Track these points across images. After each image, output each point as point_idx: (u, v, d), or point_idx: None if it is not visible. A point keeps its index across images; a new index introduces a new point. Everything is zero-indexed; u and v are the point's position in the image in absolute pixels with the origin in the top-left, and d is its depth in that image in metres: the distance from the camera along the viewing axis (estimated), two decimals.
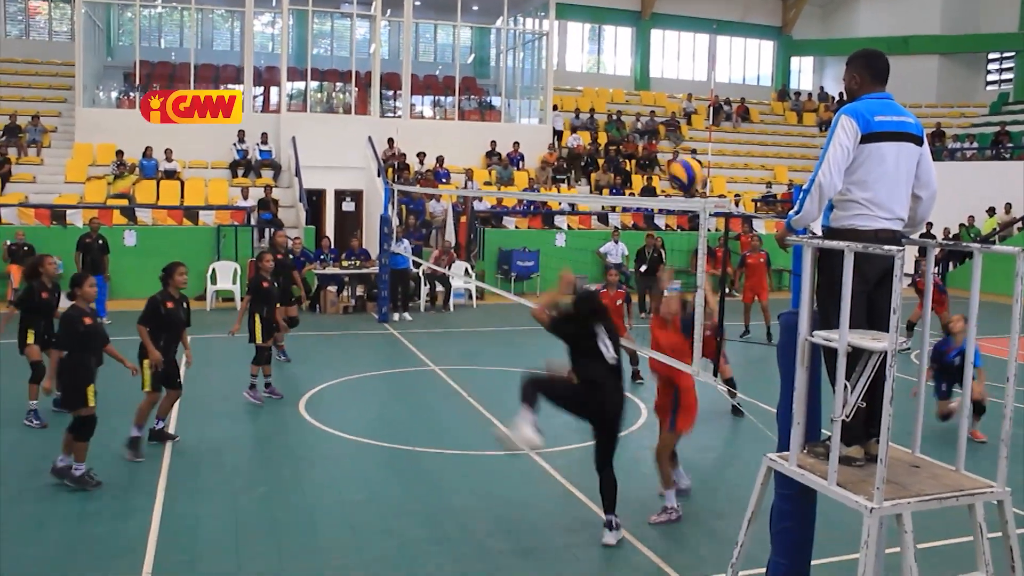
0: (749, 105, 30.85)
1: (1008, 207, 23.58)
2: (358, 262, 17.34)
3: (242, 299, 11.39)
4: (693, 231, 20.70)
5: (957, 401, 8.88)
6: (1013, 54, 31.76)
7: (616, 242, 19.09)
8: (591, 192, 23.52)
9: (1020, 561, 3.89)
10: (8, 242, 16.45)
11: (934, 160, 4.44)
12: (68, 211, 17.55)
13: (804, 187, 4.18)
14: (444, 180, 21.99)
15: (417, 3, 23.48)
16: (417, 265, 17.06)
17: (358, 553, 5.97)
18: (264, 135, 21.72)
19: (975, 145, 27.54)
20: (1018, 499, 4.53)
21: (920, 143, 4.24)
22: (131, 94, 22.63)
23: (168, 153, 20.39)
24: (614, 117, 27.42)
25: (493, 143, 23.63)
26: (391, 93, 24.52)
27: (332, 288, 16.97)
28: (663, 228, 21.50)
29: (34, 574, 5.55)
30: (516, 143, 23.82)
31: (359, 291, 17.21)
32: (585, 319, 6.26)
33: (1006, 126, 27.24)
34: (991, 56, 33.13)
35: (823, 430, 4.36)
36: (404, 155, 22.17)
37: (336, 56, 26.49)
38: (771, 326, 14.37)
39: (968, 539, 4.06)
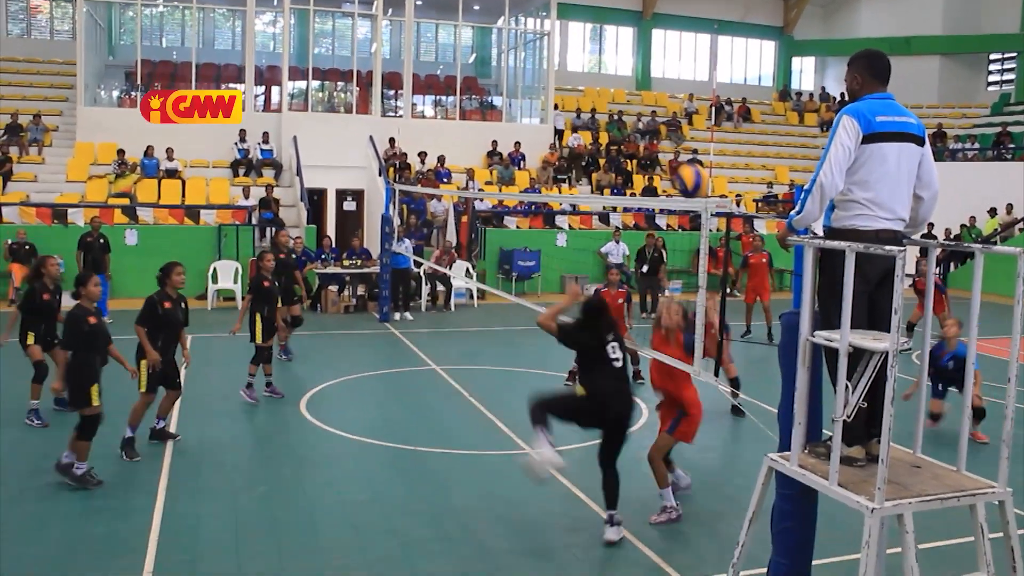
0: (750, 105, 30.85)
1: (1009, 208, 23.57)
2: (359, 261, 17.35)
3: (243, 298, 11.39)
4: (694, 231, 20.70)
5: (946, 405, 8.90)
6: (1015, 55, 31.75)
7: (617, 242, 19.09)
8: (592, 192, 23.53)
9: (1021, 561, 3.89)
10: (9, 241, 16.47)
11: (935, 161, 4.44)
12: (69, 210, 17.55)
13: (805, 187, 4.18)
14: (445, 180, 22.00)
15: (419, 3, 23.50)
16: (418, 265, 17.07)
17: (359, 553, 5.97)
18: (265, 134, 21.73)
19: (976, 146, 27.53)
20: (1019, 499, 4.53)
21: (922, 143, 4.24)
22: (132, 93, 22.64)
23: (169, 152, 20.41)
24: (615, 117, 27.43)
25: (494, 143, 23.63)
26: (392, 92, 24.54)
27: (333, 288, 16.97)
28: (664, 228, 21.50)
29: (35, 573, 5.55)
30: (517, 143, 23.83)
31: (360, 291, 17.21)
32: (595, 326, 6.29)
33: (1007, 127, 27.22)
34: (992, 57, 33.13)
35: (824, 430, 4.36)
36: (405, 155, 22.18)
37: (337, 55, 26.51)
38: (772, 326, 14.37)
39: (969, 539, 4.06)
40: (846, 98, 4.46)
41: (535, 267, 19.46)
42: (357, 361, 12.38)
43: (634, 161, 25.32)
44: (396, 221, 16.26)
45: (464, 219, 19.71)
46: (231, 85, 23.64)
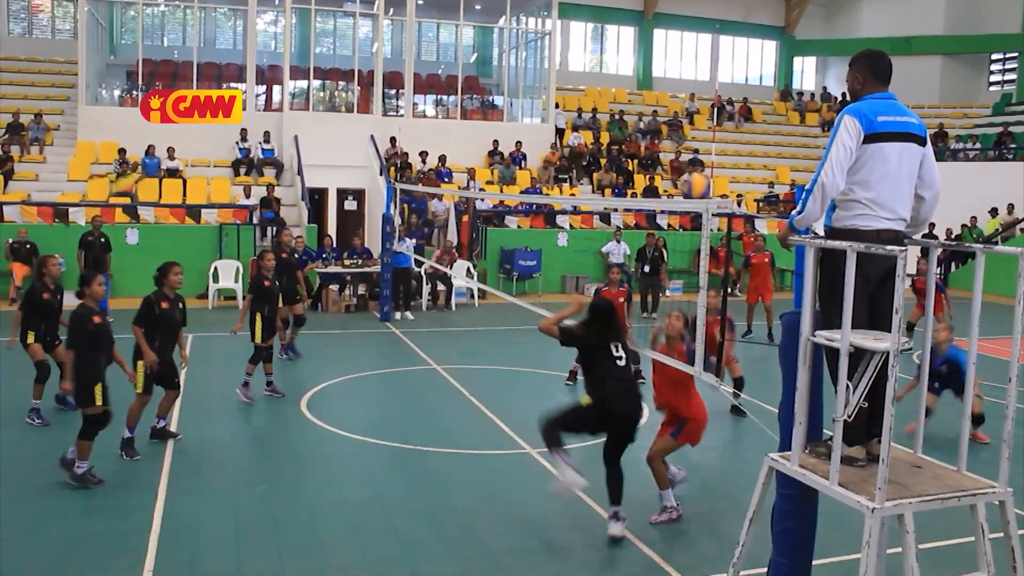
0: (752, 105, 30.85)
1: (1011, 208, 23.56)
2: (360, 261, 17.35)
3: (244, 298, 11.39)
4: (695, 231, 20.68)
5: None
6: (1016, 55, 31.74)
7: (618, 242, 19.09)
8: (593, 192, 23.53)
9: (1021, 562, 3.89)
10: (10, 240, 16.48)
11: (936, 161, 4.43)
12: (70, 209, 17.57)
13: (807, 187, 4.18)
14: (446, 179, 22.00)
15: (420, 2, 23.50)
16: (419, 264, 17.07)
17: (359, 552, 5.97)
18: (267, 134, 21.73)
19: (978, 146, 27.51)
20: (1020, 500, 4.53)
21: (923, 143, 4.24)
22: (134, 92, 22.65)
23: (170, 151, 20.42)
24: (616, 117, 27.42)
25: (495, 142, 23.63)
26: (393, 92, 24.54)
27: (334, 287, 16.98)
28: (665, 228, 21.49)
29: (35, 572, 5.55)
30: (518, 142, 23.83)
31: (361, 290, 17.21)
32: (602, 328, 6.31)
33: (1009, 127, 27.20)
34: (994, 57, 33.12)
35: (825, 430, 4.36)
36: (406, 154, 22.18)
37: (339, 55, 26.51)
38: (773, 326, 14.36)
39: (969, 539, 4.06)
40: (847, 98, 4.46)
41: (536, 267, 19.46)
42: (358, 360, 12.38)
43: (635, 161, 25.33)
44: (397, 220, 16.26)
45: (465, 219, 19.70)
46: (232, 84, 23.65)
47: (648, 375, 7.36)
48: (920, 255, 14.86)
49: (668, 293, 19.07)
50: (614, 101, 29.25)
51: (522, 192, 21.48)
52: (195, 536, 6.13)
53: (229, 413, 9.46)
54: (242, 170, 21.10)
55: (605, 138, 26.16)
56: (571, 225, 21.06)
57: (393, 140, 22.26)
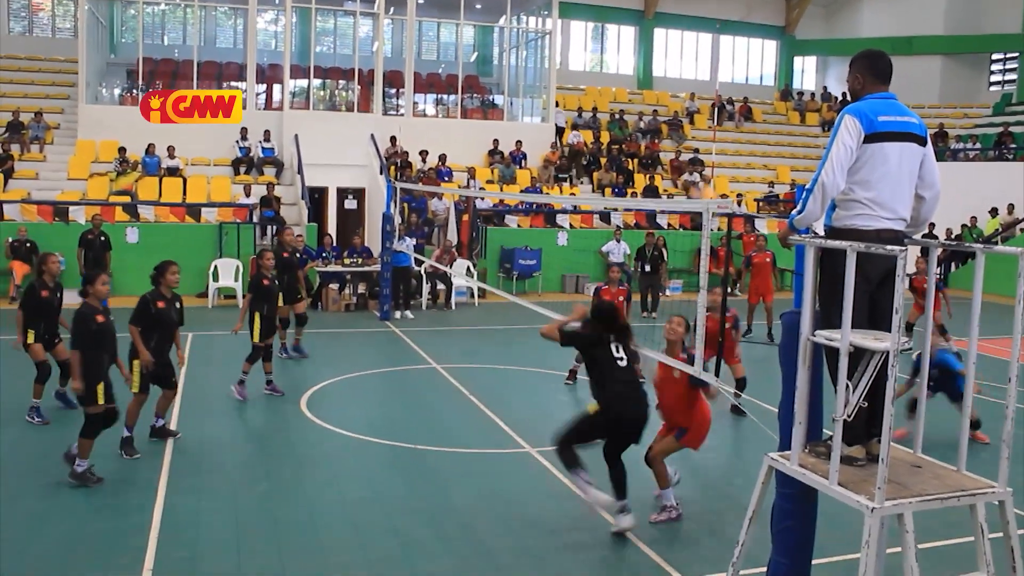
0: (752, 105, 30.84)
1: (1011, 208, 23.56)
2: (360, 260, 17.35)
3: (244, 297, 11.38)
4: (695, 230, 20.68)
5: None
6: (1016, 55, 31.74)
7: (618, 241, 19.09)
8: (593, 191, 23.53)
9: (1021, 562, 3.89)
10: (10, 239, 16.49)
11: (937, 160, 4.43)
12: (70, 208, 17.57)
13: (807, 187, 4.18)
14: (446, 178, 21.99)
15: (420, 1, 23.50)
16: (419, 263, 17.07)
17: (359, 551, 5.97)
18: (267, 132, 21.73)
19: (978, 146, 27.51)
20: (1019, 500, 4.53)
21: (924, 143, 4.24)
22: (134, 91, 22.65)
23: (171, 150, 20.41)
24: (617, 116, 27.42)
25: (495, 141, 23.63)
26: (394, 91, 24.54)
27: (334, 286, 16.98)
28: (665, 227, 21.49)
29: (35, 571, 5.55)
30: (519, 142, 23.83)
31: (361, 289, 17.21)
32: (602, 327, 6.33)
33: (1009, 127, 27.20)
34: (994, 57, 33.12)
35: (824, 430, 4.36)
36: (407, 153, 22.18)
37: (339, 54, 26.50)
38: (773, 326, 14.35)
39: (969, 539, 4.06)
40: (848, 98, 4.46)
41: (536, 266, 19.47)
42: (358, 359, 12.38)
43: (635, 160, 25.33)
44: (397, 220, 16.26)
45: (465, 218, 19.70)
46: (233, 83, 23.66)
47: (647, 372, 7.36)
48: (920, 255, 14.86)
49: (668, 292, 19.08)
50: (614, 100, 29.24)
51: (522, 191, 21.48)
52: (195, 535, 6.12)
53: (229, 412, 9.47)
54: (242, 169, 21.11)
55: (605, 137, 26.16)
56: (571, 224, 21.07)
57: (393, 139, 22.26)
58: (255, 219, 18.42)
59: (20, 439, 8.20)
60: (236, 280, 17.04)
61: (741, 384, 9.60)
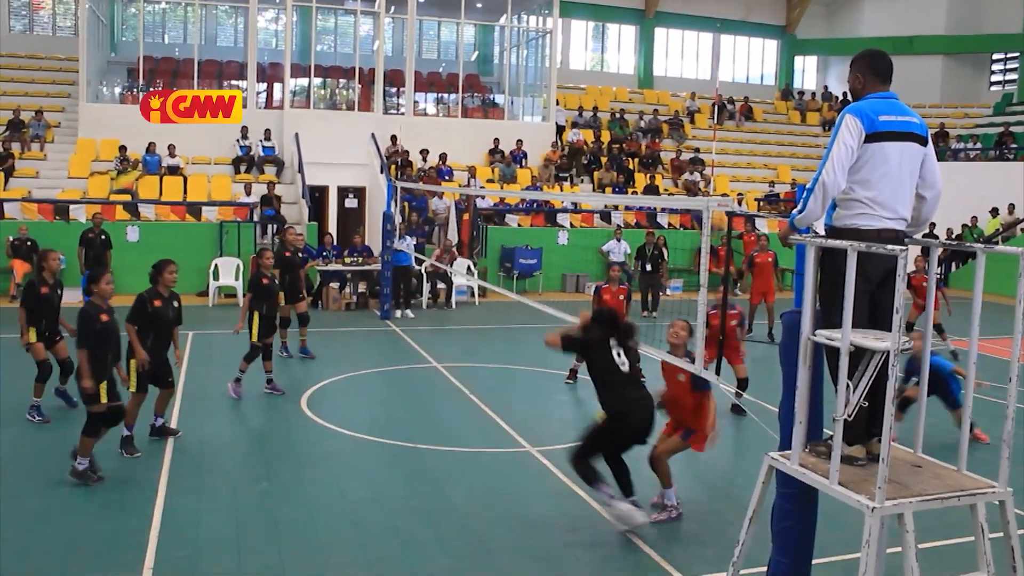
0: (753, 104, 30.84)
1: (1011, 208, 23.55)
2: (360, 259, 17.35)
3: (244, 296, 11.38)
4: (695, 229, 20.67)
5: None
6: (1017, 55, 31.73)
7: (619, 240, 19.09)
8: (594, 190, 23.52)
9: (1021, 561, 3.89)
10: (11, 237, 16.49)
11: (937, 160, 4.43)
12: (71, 206, 17.57)
13: (808, 186, 4.18)
14: (447, 177, 21.99)
15: (421, 0, 23.48)
16: (419, 262, 17.07)
17: (359, 550, 5.97)
18: (267, 131, 21.72)
19: (978, 145, 27.50)
20: (1020, 499, 4.53)
21: (924, 143, 4.24)
22: (134, 90, 22.65)
23: (171, 149, 20.41)
24: (617, 115, 27.41)
25: (496, 140, 23.62)
26: (394, 90, 24.54)
27: (334, 285, 16.98)
28: (665, 226, 21.49)
29: (35, 570, 5.55)
30: (519, 141, 23.82)
31: (361, 288, 17.22)
32: (603, 333, 6.33)
33: (1010, 127, 27.19)
34: (995, 56, 33.11)
35: (825, 429, 4.36)
36: (407, 152, 22.18)
37: (340, 53, 26.49)
38: (774, 326, 14.34)
39: (969, 539, 4.06)
40: (848, 97, 4.46)
41: (536, 265, 19.47)
42: (358, 358, 12.38)
43: (636, 159, 25.32)
44: (397, 219, 16.26)
45: (466, 217, 19.70)
46: (233, 82, 23.66)
47: (648, 368, 7.36)
48: (920, 254, 14.86)
49: (668, 292, 19.08)
50: (615, 100, 29.24)
51: (523, 190, 21.47)
52: (195, 534, 6.12)
53: (229, 411, 9.46)
54: (243, 168, 21.10)
55: (606, 137, 26.15)
56: (572, 223, 21.06)
57: (394, 138, 22.25)
58: (255, 218, 18.42)
59: (20, 438, 8.19)
60: (236, 279, 17.04)
61: (743, 385, 9.60)
